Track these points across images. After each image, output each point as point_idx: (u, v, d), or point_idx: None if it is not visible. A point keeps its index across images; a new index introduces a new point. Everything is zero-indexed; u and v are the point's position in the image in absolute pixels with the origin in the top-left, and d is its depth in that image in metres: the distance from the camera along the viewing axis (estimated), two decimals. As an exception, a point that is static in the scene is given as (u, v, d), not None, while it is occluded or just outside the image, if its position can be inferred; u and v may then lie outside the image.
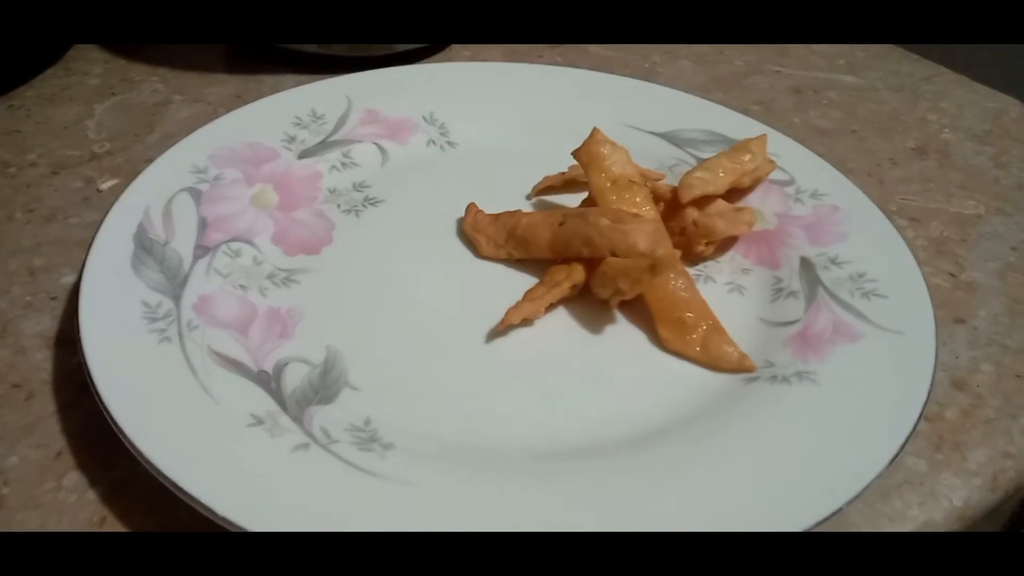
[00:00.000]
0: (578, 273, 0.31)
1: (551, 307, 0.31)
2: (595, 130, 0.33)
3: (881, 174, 0.42)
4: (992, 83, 0.50)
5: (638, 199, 0.32)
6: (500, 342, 0.30)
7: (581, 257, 0.31)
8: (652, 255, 0.29)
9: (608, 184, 0.32)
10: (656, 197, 0.34)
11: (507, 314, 0.30)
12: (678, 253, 0.30)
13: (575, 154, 0.34)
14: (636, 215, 0.31)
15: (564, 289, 0.30)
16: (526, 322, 0.30)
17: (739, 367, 0.29)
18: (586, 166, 0.33)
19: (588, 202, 0.34)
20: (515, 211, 0.33)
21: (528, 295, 0.31)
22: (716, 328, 0.30)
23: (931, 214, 0.39)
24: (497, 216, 0.33)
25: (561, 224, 0.31)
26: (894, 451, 0.25)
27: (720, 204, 0.34)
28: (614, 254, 0.30)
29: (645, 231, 0.29)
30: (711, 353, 0.29)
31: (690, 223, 0.33)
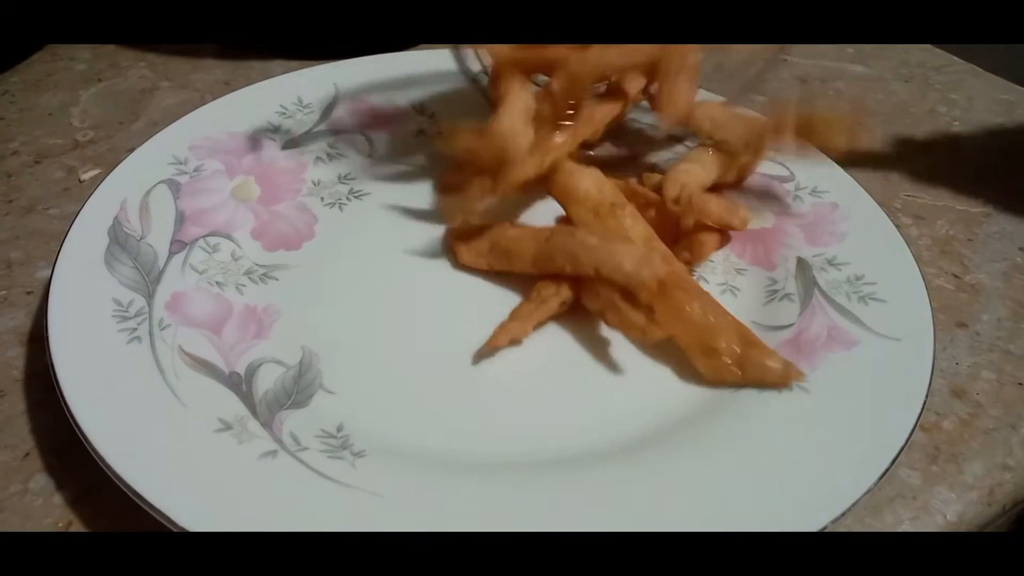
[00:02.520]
0: (566, 290, 0.29)
1: (539, 325, 0.29)
2: (558, 162, 0.31)
3: (886, 169, 0.40)
4: (1006, 74, 0.48)
5: (626, 222, 0.31)
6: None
7: (564, 273, 0.29)
8: (636, 276, 0.27)
9: (591, 216, 0.31)
10: (645, 204, 0.32)
11: (494, 335, 0.28)
12: (676, 268, 0.28)
13: (550, 192, 0.32)
14: (627, 239, 0.29)
15: (552, 307, 0.29)
16: (513, 343, 0.28)
17: (786, 379, 0.27)
18: (563, 203, 0.32)
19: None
20: (502, 223, 0.32)
21: (515, 314, 0.29)
22: (749, 343, 0.27)
23: (937, 212, 0.38)
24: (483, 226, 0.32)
25: (548, 239, 0.30)
26: (884, 466, 0.24)
27: (714, 197, 0.33)
28: (598, 271, 0.28)
29: (633, 254, 0.28)
30: (751, 374, 0.27)
31: (684, 199, 0.31)
